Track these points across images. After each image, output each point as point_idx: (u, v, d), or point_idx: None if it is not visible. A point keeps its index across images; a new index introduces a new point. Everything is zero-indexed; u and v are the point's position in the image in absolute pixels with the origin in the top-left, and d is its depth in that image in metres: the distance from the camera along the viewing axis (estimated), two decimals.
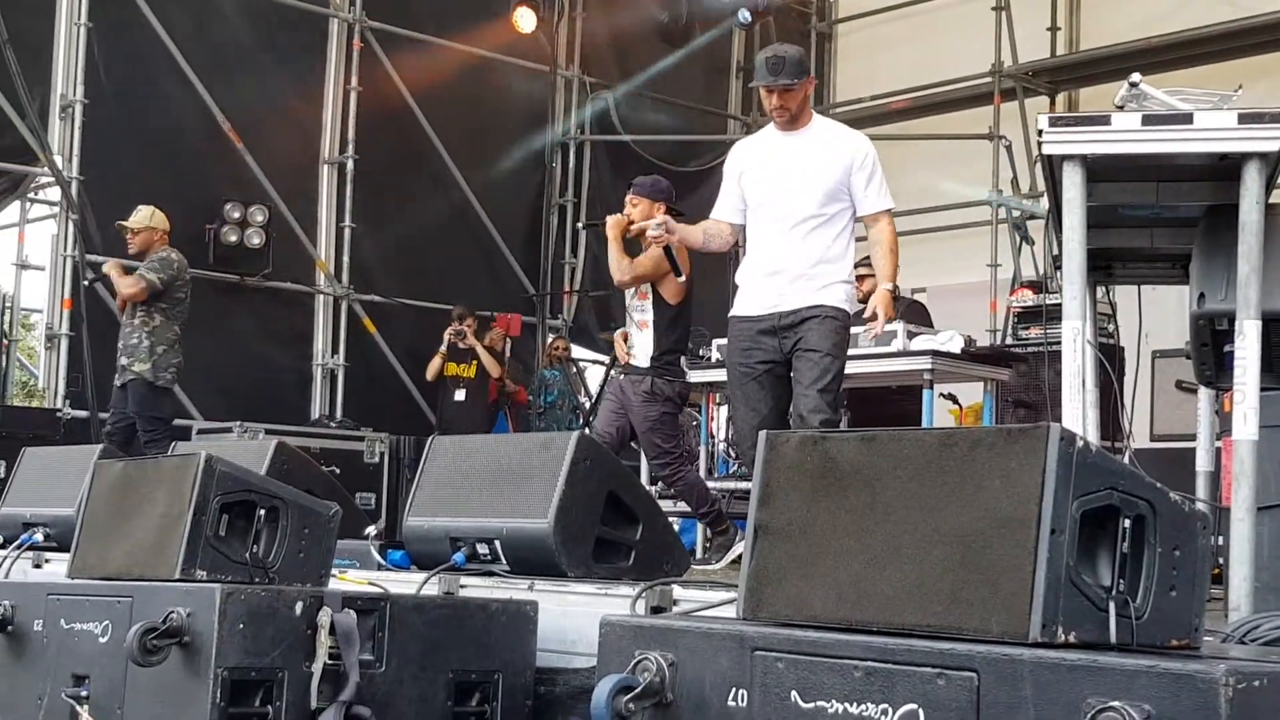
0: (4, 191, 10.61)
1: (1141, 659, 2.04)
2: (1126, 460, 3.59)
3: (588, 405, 11.70)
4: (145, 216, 8.67)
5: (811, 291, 5.45)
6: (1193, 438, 4.96)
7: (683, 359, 7.17)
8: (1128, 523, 2.27)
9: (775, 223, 5.53)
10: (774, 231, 5.54)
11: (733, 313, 5.66)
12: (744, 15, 12.00)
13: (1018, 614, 2.18)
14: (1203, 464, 4.88)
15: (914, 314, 8.39)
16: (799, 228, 5.47)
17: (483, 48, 13.00)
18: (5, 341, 10.26)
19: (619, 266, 6.88)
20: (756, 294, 5.56)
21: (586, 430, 8.28)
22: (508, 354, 12.21)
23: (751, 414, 5.51)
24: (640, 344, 6.93)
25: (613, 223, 6.94)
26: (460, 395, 11.45)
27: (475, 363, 11.52)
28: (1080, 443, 2.24)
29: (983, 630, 2.22)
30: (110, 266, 8.70)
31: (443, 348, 11.47)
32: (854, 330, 5.73)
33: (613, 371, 7.33)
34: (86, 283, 8.53)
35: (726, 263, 13.96)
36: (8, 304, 10.95)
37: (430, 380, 11.63)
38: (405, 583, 4.30)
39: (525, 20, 12.73)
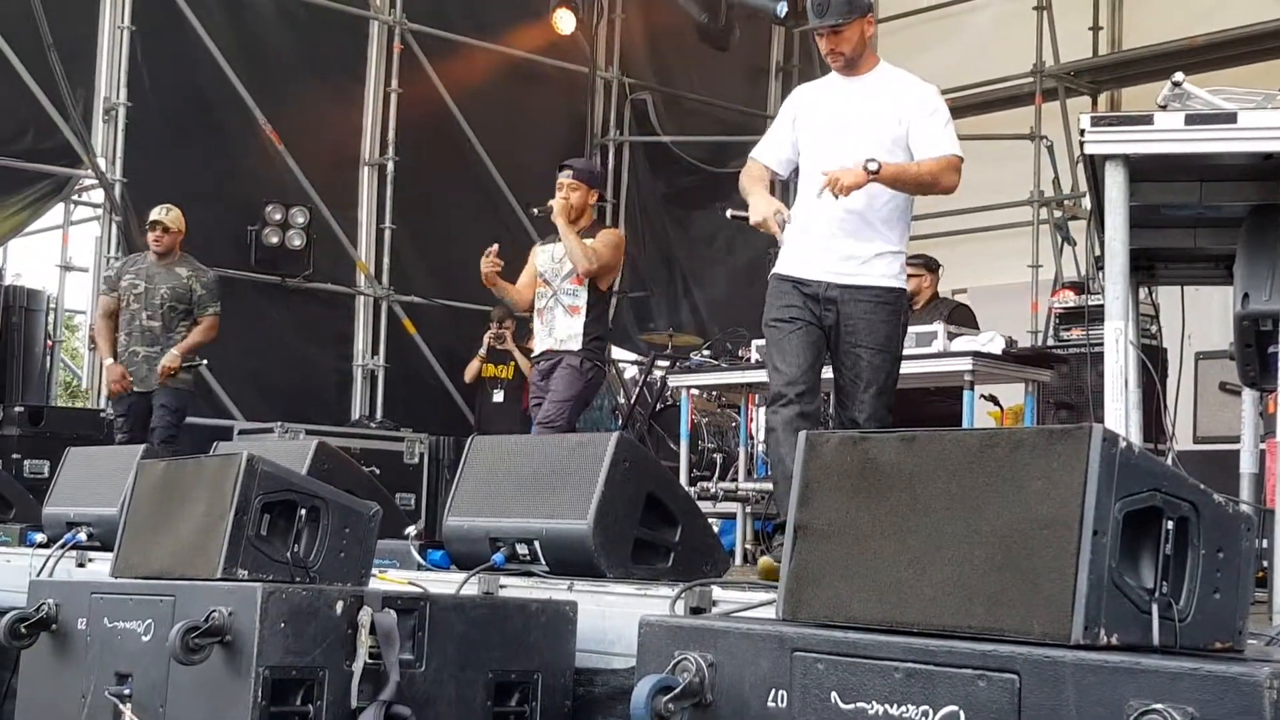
0: (48, 194, 10.70)
1: (1185, 661, 2.03)
2: (1169, 462, 3.56)
3: (626, 406, 11.71)
4: (178, 217, 8.65)
5: (862, 262, 4.92)
6: (1236, 440, 4.92)
7: (607, 346, 7.35)
8: (1171, 524, 2.26)
9: (825, 176, 4.86)
10: (822, 185, 4.87)
11: (774, 270, 5.09)
12: (781, 7, 11.95)
13: (1059, 615, 2.17)
14: (1247, 466, 4.84)
15: (960, 316, 8.34)
16: None
17: (522, 49, 13.03)
18: (49, 343, 10.35)
19: (584, 255, 6.96)
20: (798, 252, 4.99)
21: (625, 431, 8.29)
22: None
23: (788, 367, 4.87)
24: (570, 327, 7.03)
25: (561, 209, 7.04)
26: (498, 396, 11.46)
27: (513, 364, 11.53)
28: (1123, 444, 2.23)
29: (1024, 632, 2.21)
30: (173, 361, 8.39)
31: (482, 350, 11.49)
32: None
33: (534, 362, 7.39)
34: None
35: (765, 263, 14.01)
36: (52, 305, 11.04)
37: (468, 382, 11.65)
38: (445, 583, 4.31)
39: (565, 22, 12.73)
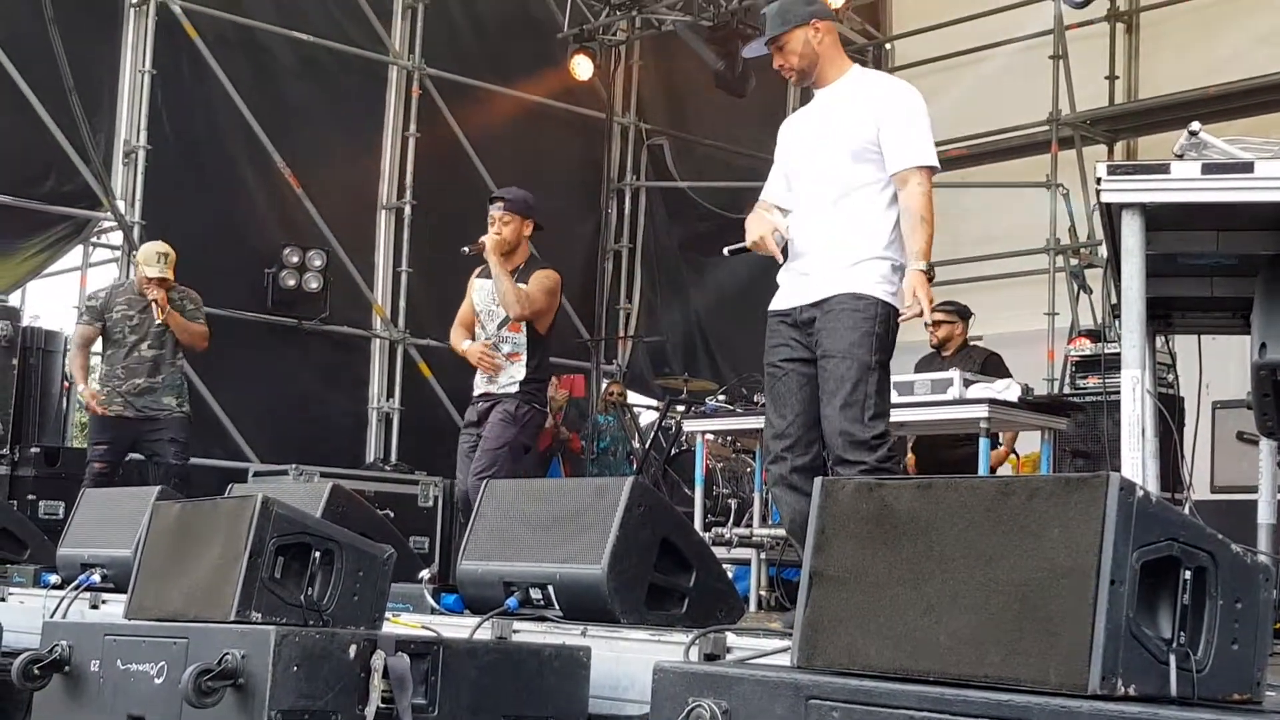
0: (67, 236, 10.76)
1: (1203, 713, 2.02)
2: (1187, 512, 3.55)
3: (641, 451, 11.70)
4: (174, 257, 8.24)
5: (836, 273, 4.59)
6: (1254, 489, 4.90)
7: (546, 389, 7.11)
8: (1188, 574, 2.25)
9: (804, 197, 4.73)
10: (802, 207, 4.73)
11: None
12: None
13: (1076, 665, 2.16)
14: (1265, 516, 4.82)
15: (992, 366, 8.36)
16: (824, 198, 4.67)
17: (539, 95, 13.10)
18: (66, 384, 10.36)
19: (516, 299, 6.80)
20: (784, 282, 4.78)
21: (640, 475, 8.26)
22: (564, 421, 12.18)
23: (778, 419, 4.65)
24: (510, 374, 6.88)
25: (493, 245, 6.85)
26: None
27: None
28: (1140, 493, 2.22)
29: (1040, 681, 2.20)
30: (171, 315, 8.22)
31: None
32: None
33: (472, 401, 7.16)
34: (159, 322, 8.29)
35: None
36: (69, 347, 11.07)
37: None
38: (458, 627, 4.30)
39: (582, 68, 12.81)
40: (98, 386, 8.25)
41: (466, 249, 7.09)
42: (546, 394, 7.06)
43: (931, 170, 4.60)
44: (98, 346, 8.55)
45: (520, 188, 7.39)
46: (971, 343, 9.04)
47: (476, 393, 7.03)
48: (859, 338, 4.50)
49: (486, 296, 7.03)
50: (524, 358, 6.89)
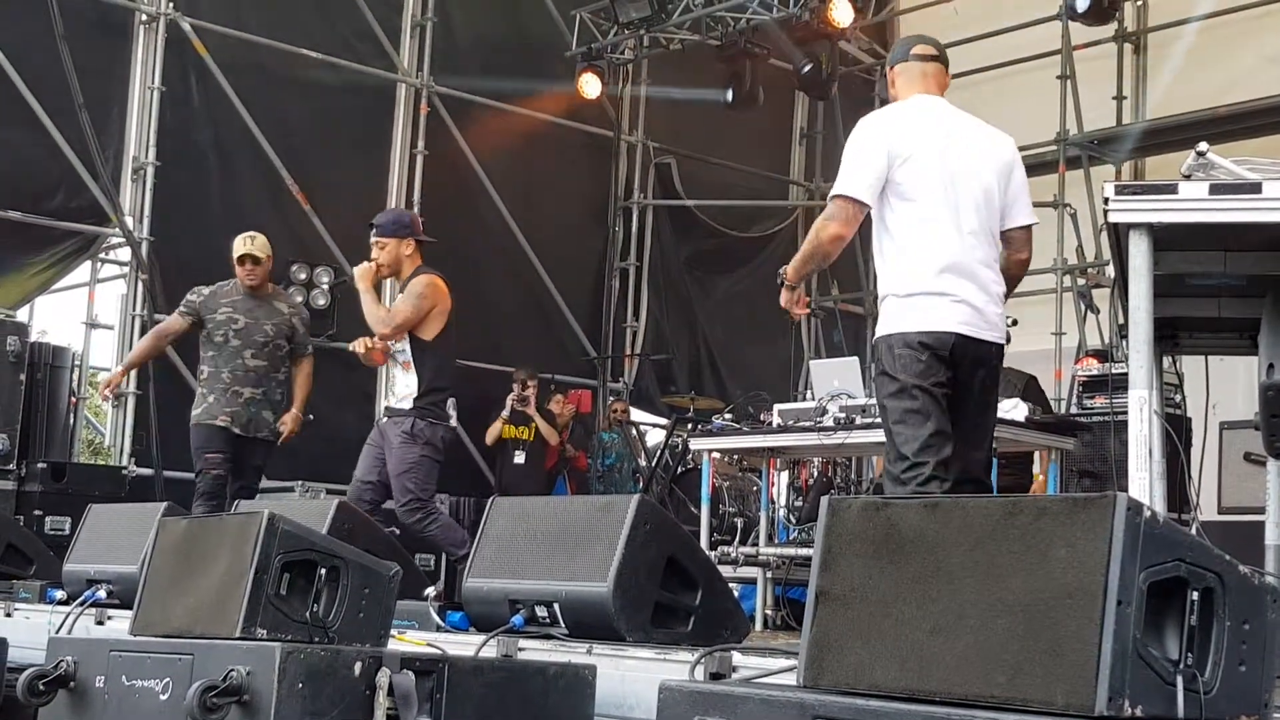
0: (76, 251, 10.78)
1: None
2: (1194, 532, 3.54)
3: (647, 469, 11.70)
4: (265, 243, 7.86)
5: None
6: (1261, 510, 4.88)
7: (450, 401, 6.81)
8: (1196, 595, 2.24)
9: None
10: None
11: None
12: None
13: (1083, 686, 2.15)
14: (1272, 537, 4.80)
15: (1032, 392, 8.37)
16: None
17: (547, 113, 13.14)
18: (74, 399, 10.37)
19: (377, 319, 6.71)
20: None
21: (646, 494, 8.26)
22: (571, 422, 12.19)
23: None
24: (404, 384, 6.73)
25: (361, 273, 6.82)
26: (519, 458, 11.47)
27: (533, 425, 11.56)
28: (1147, 513, 2.21)
29: (1047, 702, 2.19)
30: (296, 425, 7.83)
31: (505, 413, 11.49)
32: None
33: (380, 417, 6.99)
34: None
35: (786, 329, 14.03)
36: (76, 362, 11.08)
37: (489, 444, 11.65)
38: (464, 644, 4.29)
39: (590, 86, 12.84)
40: (206, 394, 7.74)
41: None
42: (447, 406, 6.74)
43: (841, 198, 4.70)
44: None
45: (394, 211, 7.59)
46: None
47: (384, 406, 6.89)
48: (877, 378, 4.79)
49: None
50: (413, 367, 6.72)
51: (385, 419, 6.88)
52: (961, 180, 4.74)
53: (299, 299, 8.29)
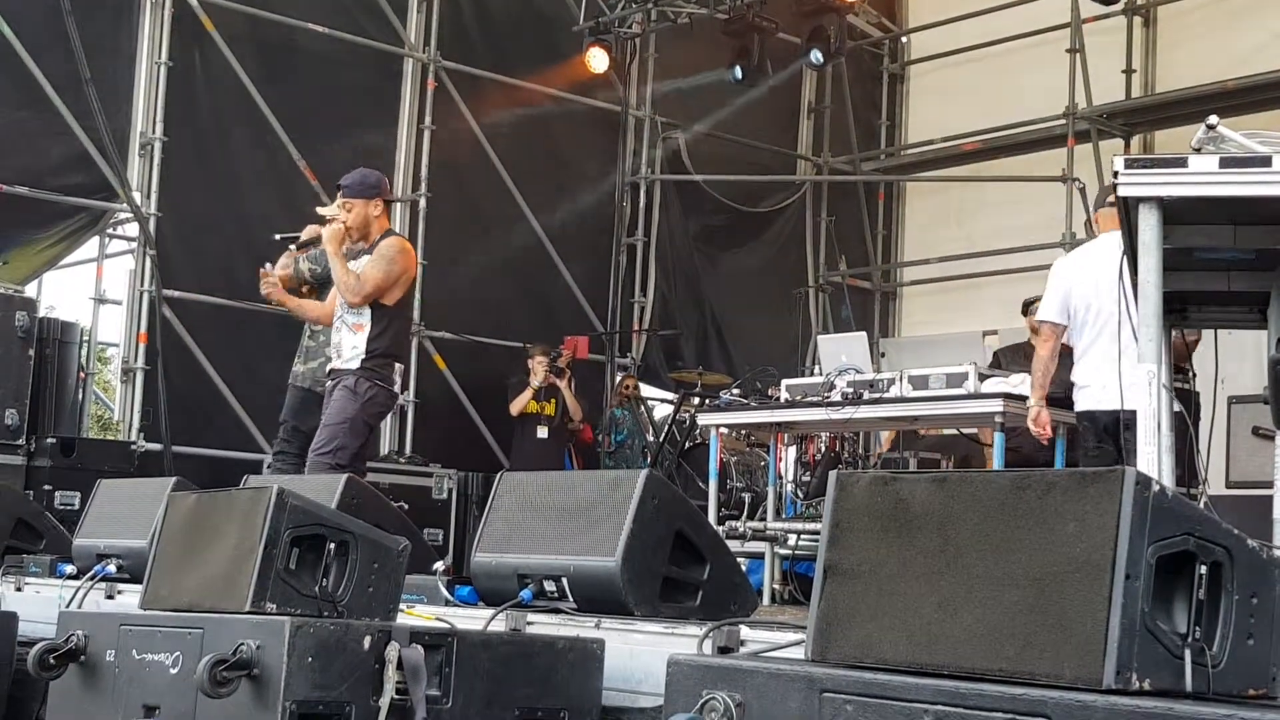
0: (83, 227, 10.77)
1: (1218, 708, 2.01)
2: (1202, 506, 3.54)
3: (655, 444, 11.70)
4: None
5: None
6: (1269, 485, 4.87)
7: (397, 368, 6.72)
8: (1204, 569, 2.24)
9: None
10: None
11: None
12: (816, 55, 12.01)
13: (1091, 660, 2.15)
14: None
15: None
16: None
17: (555, 87, 13.10)
18: (82, 375, 10.38)
19: (348, 285, 6.58)
20: None
21: (655, 468, 8.25)
22: (574, 388, 12.15)
23: None
24: (351, 345, 6.62)
25: (331, 235, 6.64)
26: (543, 433, 11.40)
27: (555, 400, 11.50)
28: (1156, 487, 2.21)
29: (1055, 676, 2.19)
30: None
31: (536, 382, 11.35)
32: None
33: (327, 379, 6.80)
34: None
35: (796, 302, 14.02)
36: (85, 338, 11.09)
37: (516, 415, 11.53)
38: (472, 619, 4.30)
39: (598, 60, 12.79)
40: (299, 360, 7.71)
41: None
42: (394, 373, 6.63)
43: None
44: None
45: (364, 169, 7.03)
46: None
47: (328, 370, 6.81)
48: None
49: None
50: (366, 328, 6.62)
51: (330, 380, 6.72)
52: None
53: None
